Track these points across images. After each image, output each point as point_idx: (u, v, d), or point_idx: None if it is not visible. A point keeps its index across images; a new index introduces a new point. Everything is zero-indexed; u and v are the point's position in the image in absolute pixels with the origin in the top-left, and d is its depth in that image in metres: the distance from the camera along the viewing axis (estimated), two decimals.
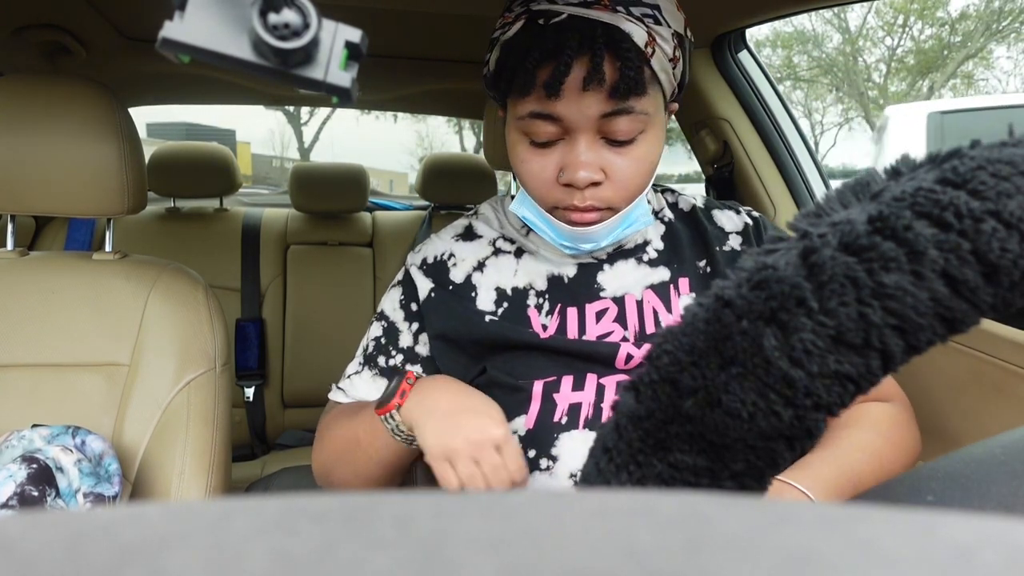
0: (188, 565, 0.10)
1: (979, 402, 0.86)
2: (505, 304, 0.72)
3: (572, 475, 0.65)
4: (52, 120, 0.83)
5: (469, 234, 0.78)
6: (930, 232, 0.21)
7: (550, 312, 0.71)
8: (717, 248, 0.73)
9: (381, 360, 0.75)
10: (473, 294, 0.73)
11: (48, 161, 0.83)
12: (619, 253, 0.73)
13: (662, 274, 0.72)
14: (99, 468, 0.75)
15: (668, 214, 0.77)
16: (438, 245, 0.77)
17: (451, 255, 0.76)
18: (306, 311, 1.82)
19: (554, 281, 0.72)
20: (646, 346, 0.68)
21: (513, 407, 0.67)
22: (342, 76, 0.42)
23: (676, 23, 0.63)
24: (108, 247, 0.96)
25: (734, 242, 0.74)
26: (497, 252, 0.75)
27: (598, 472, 0.29)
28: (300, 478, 1.40)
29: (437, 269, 0.75)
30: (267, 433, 1.82)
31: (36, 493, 0.67)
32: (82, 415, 0.84)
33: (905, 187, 0.23)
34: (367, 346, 0.77)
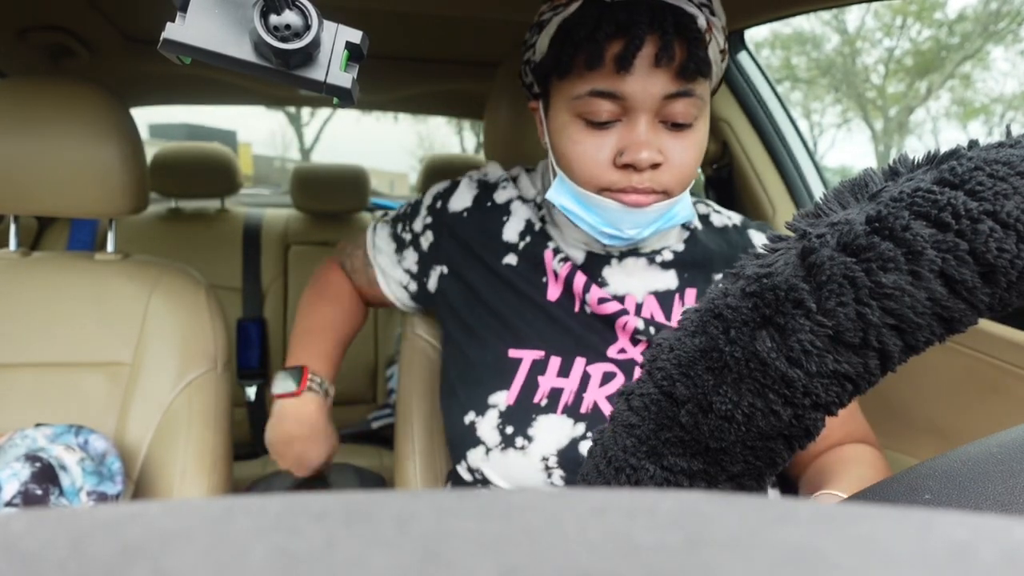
0: (190, 563, 0.10)
1: (976, 401, 0.86)
2: (528, 238, 0.73)
3: (544, 458, 0.65)
4: (55, 121, 0.83)
5: (518, 180, 0.81)
6: (928, 232, 0.21)
7: (563, 262, 0.71)
8: None
9: (399, 227, 0.83)
10: (505, 218, 0.75)
11: (51, 162, 0.83)
12: (631, 251, 0.72)
13: (669, 280, 0.71)
14: (102, 467, 0.75)
15: (697, 224, 0.75)
16: (497, 171, 0.82)
17: (507, 179, 0.79)
18: None
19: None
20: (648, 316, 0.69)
21: (496, 379, 0.69)
22: (343, 77, 0.42)
23: (724, 19, 0.64)
24: (110, 247, 0.96)
25: None
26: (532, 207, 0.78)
27: (598, 473, 0.29)
28: (301, 477, 1.39)
29: (487, 187, 0.79)
30: None
31: (40, 491, 0.67)
32: (85, 414, 0.84)
33: (903, 187, 0.23)
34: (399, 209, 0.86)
